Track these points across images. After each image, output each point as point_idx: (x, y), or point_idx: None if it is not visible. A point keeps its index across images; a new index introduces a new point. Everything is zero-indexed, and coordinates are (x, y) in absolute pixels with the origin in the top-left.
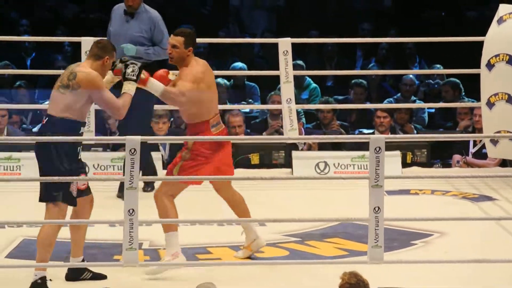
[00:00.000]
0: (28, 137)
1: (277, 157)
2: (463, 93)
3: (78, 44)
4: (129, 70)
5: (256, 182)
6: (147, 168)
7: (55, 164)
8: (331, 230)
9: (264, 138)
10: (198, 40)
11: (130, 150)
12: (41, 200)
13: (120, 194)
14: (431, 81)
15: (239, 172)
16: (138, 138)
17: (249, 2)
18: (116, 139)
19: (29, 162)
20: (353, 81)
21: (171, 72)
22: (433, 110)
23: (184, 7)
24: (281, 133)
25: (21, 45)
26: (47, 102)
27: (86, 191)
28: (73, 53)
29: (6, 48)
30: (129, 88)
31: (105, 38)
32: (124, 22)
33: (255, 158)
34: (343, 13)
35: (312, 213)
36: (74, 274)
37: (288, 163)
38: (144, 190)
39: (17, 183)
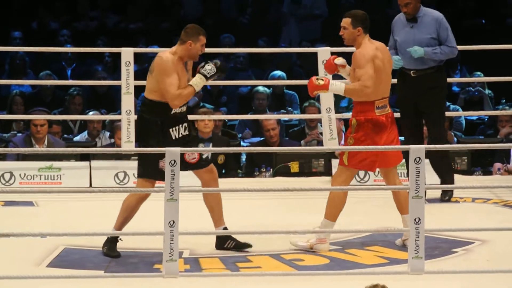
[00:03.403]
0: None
1: (316, 165)
2: (503, 100)
3: (118, 55)
4: (207, 66)
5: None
6: (446, 175)
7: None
8: (371, 238)
9: (305, 149)
10: (237, 50)
11: (170, 162)
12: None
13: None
14: (471, 88)
15: (279, 180)
16: (178, 149)
17: (288, 11)
18: (156, 150)
19: (69, 172)
20: None
21: (337, 58)
22: (474, 118)
23: (223, 17)
24: (320, 141)
25: (62, 55)
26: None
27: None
28: (113, 64)
29: (47, 58)
30: (197, 82)
31: (193, 24)
32: (409, 29)
33: (294, 166)
34: (383, 20)
35: (351, 221)
36: (220, 242)
37: (327, 171)
38: (442, 199)
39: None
